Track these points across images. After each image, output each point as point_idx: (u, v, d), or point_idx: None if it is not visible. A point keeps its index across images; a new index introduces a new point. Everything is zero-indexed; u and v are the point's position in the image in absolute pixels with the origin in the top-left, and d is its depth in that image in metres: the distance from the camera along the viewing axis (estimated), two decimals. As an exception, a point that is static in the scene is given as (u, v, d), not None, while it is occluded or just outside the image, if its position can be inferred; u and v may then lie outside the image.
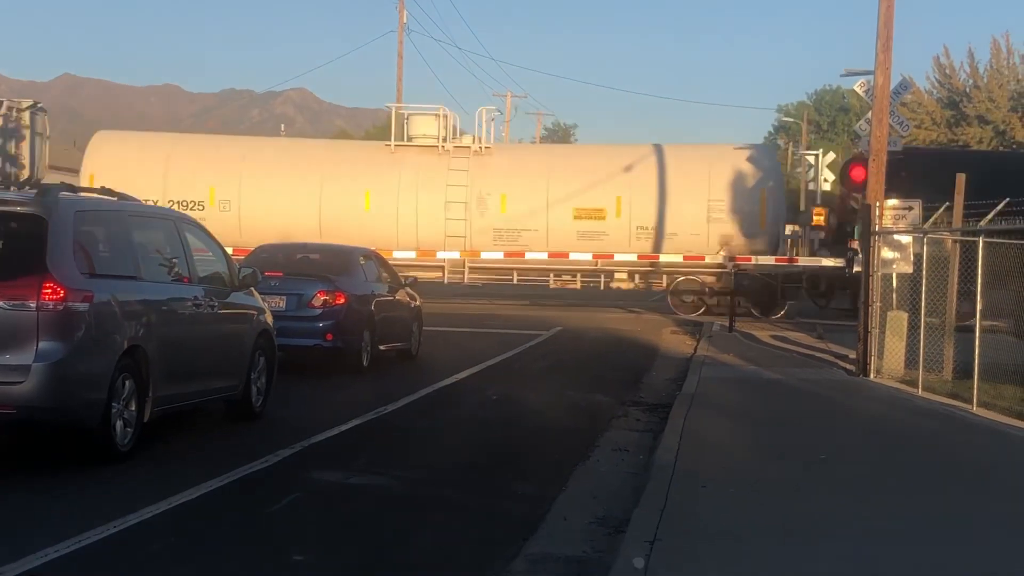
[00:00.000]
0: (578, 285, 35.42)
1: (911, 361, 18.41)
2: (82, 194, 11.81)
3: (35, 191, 10.93)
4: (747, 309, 32.94)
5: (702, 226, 33.90)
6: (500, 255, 34.41)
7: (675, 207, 33.95)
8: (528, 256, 34.28)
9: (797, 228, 36.89)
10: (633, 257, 34.11)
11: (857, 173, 27.80)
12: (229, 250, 14.86)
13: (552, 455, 12.48)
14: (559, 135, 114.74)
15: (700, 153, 36.82)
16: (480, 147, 35.50)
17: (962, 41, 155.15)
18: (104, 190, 12.21)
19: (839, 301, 33.56)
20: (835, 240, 34.47)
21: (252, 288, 14.03)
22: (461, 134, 37.53)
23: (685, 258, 33.94)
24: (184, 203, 32.72)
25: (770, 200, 34.09)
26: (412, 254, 33.79)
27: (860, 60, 74.84)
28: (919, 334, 17.68)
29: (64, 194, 11.01)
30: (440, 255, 34.16)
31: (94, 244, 11.07)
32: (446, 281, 34.49)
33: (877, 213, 19.52)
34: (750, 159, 35.33)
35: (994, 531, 9.15)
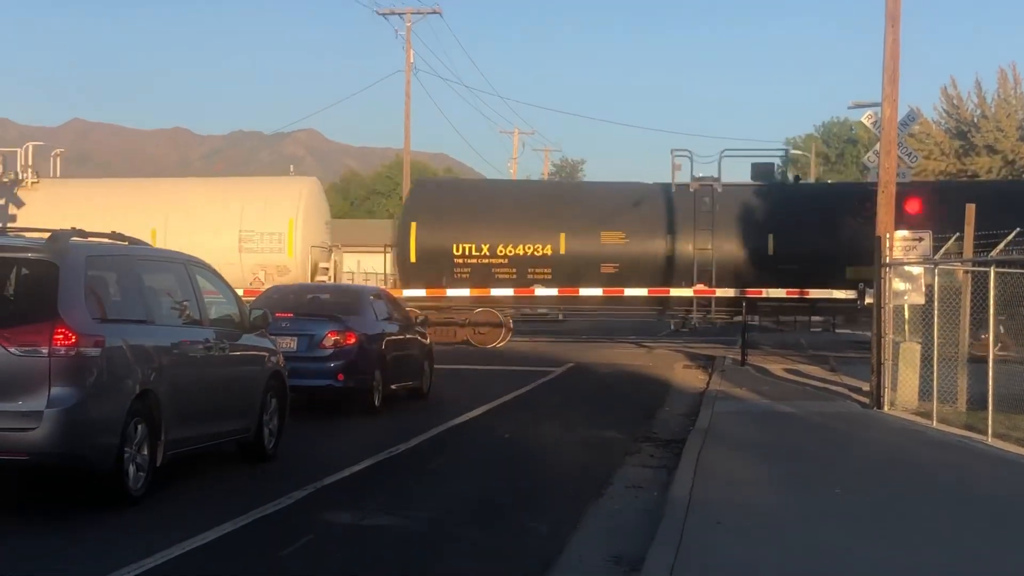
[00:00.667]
0: None
1: (925, 393, 18.34)
2: (93, 239, 11.83)
3: (46, 237, 10.93)
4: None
5: (235, 255, 35.39)
6: None
7: (210, 237, 35.17)
8: None
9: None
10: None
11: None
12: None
13: (566, 492, 12.43)
14: (567, 171, 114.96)
15: (236, 185, 40.31)
16: (29, 182, 36.91)
17: (969, 71, 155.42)
18: (115, 235, 12.23)
19: None
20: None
21: (263, 329, 14.04)
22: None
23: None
24: None
25: (299, 229, 35.34)
26: None
27: (867, 91, 75.07)
28: (932, 365, 17.62)
29: (75, 239, 11.04)
30: None
31: (105, 289, 11.09)
32: None
33: (888, 244, 19.48)
34: (282, 190, 37.55)
35: (1016, 566, 9.08)
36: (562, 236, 35.13)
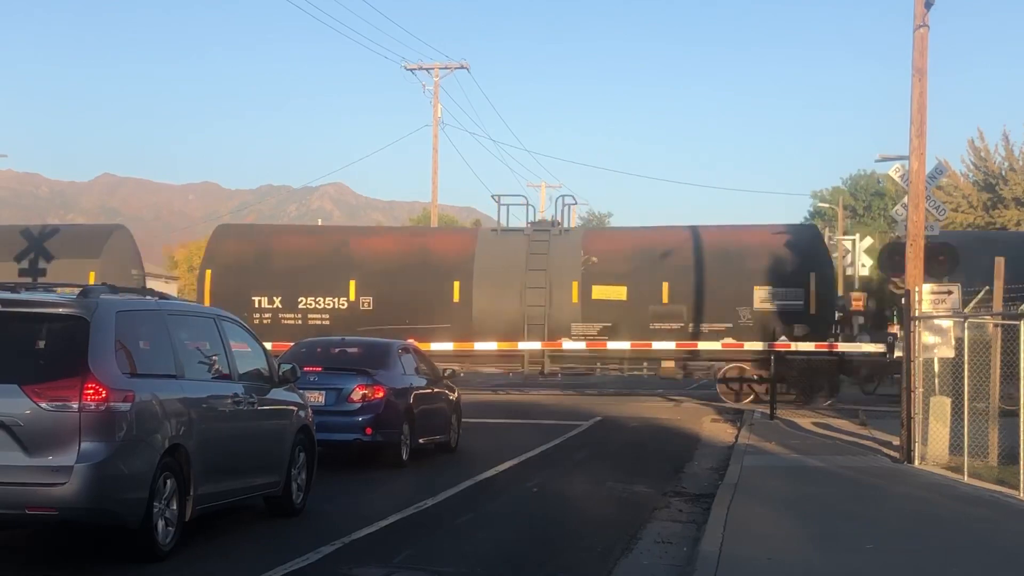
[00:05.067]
0: None
1: (956, 447, 18.19)
2: (123, 294, 11.90)
3: (77, 292, 11.00)
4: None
5: None
6: None
7: None
8: None
9: None
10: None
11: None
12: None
13: (594, 548, 12.37)
14: (593, 224, 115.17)
15: None
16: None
17: (996, 123, 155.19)
18: (145, 290, 12.29)
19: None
20: (874, 325, 34.43)
21: (292, 383, 14.07)
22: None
23: None
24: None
25: None
26: None
27: (894, 144, 75.03)
28: (963, 419, 17.49)
29: (105, 295, 11.10)
30: None
31: (135, 343, 11.12)
32: None
33: (916, 298, 19.41)
34: None
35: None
36: None
